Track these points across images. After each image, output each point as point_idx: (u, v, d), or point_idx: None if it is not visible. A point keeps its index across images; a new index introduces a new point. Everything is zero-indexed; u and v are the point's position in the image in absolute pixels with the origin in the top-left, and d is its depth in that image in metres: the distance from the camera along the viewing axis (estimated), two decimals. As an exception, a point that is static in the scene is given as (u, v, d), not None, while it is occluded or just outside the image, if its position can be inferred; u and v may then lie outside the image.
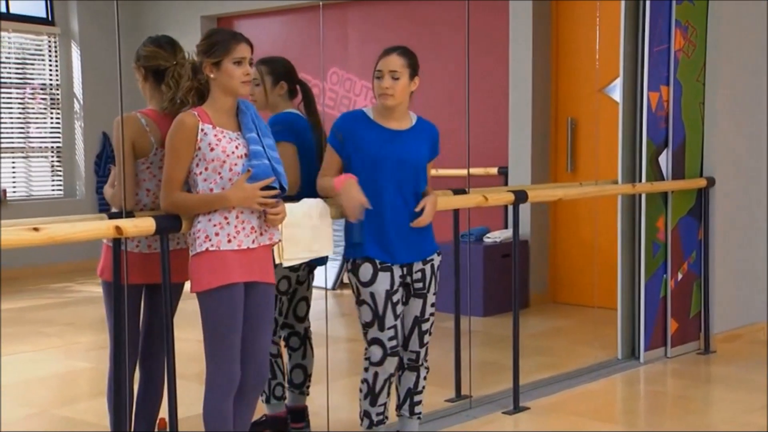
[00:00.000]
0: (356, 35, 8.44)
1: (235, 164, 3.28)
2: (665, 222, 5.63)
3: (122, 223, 3.24)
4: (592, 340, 5.97)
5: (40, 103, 9.76)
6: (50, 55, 9.74)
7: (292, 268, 3.99)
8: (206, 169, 3.27)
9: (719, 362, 5.62)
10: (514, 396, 4.67)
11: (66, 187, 9.88)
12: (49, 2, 9.71)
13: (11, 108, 9.51)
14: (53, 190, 9.84)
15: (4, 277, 7.85)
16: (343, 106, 8.40)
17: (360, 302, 3.72)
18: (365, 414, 3.80)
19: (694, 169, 5.79)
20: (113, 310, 3.46)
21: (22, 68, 9.60)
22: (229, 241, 3.26)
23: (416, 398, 3.90)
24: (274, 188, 3.31)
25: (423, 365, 3.87)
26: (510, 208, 4.91)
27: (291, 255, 3.63)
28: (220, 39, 3.30)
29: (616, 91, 5.78)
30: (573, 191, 5.69)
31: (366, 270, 3.67)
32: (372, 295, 3.67)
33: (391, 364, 3.73)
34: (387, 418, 3.85)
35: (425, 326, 3.82)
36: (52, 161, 9.85)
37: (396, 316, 3.71)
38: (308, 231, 3.67)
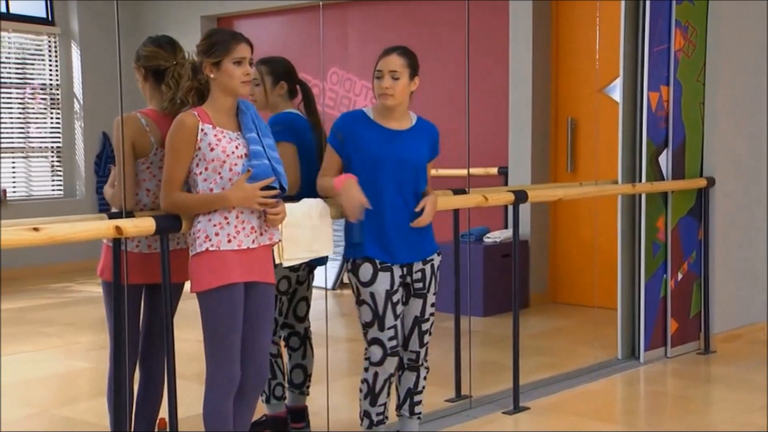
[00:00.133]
0: (356, 35, 8.44)
1: (235, 164, 3.28)
2: (665, 222, 5.63)
3: (122, 223, 3.24)
4: (592, 340, 5.97)
5: (40, 103, 9.76)
6: (50, 55, 9.74)
7: (291, 268, 3.99)
8: (206, 169, 3.27)
9: (719, 362, 5.62)
10: (514, 396, 4.67)
11: (66, 187, 9.88)
12: (49, 2, 9.71)
13: (11, 108, 9.52)
14: (53, 190, 9.84)
15: (5, 277, 7.85)
16: (343, 106, 8.39)
17: (360, 302, 3.72)
18: (365, 414, 3.80)
19: (694, 169, 5.79)
20: (113, 310, 3.46)
21: (22, 68, 9.60)
22: (229, 241, 3.26)
23: (416, 398, 3.90)
24: (274, 188, 3.31)
25: (423, 365, 3.87)
26: (510, 208, 4.91)
27: (291, 255, 3.63)
28: (220, 39, 3.30)
29: (616, 91, 5.79)
30: (573, 191, 5.69)
31: (366, 270, 3.67)
32: (372, 295, 3.67)
33: (391, 364, 3.73)
34: (387, 418, 3.85)
35: (425, 326, 3.82)
36: (52, 161, 9.85)
37: (396, 316, 3.71)
38: (308, 231, 3.67)
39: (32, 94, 9.68)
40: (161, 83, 3.51)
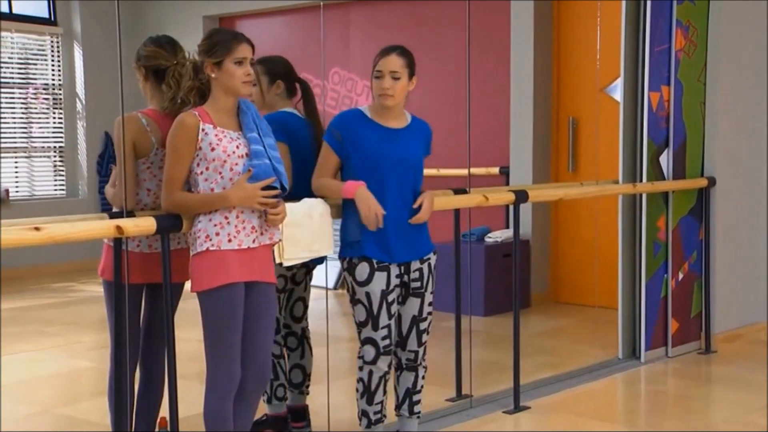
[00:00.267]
0: (357, 35, 8.45)
1: (236, 164, 3.29)
2: (666, 222, 5.63)
3: (123, 222, 3.25)
4: (593, 340, 5.97)
5: (42, 103, 9.77)
6: (53, 55, 9.75)
7: (288, 267, 3.98)
8: (207, 168, 3.28)
9: (720, 362, 5.62)
10: (515, 395, 4.68)
11: (68, 187, 9.89)
12: (51, 2, 9.72)
13: (14, 108, 9.53)
14: (56, 189, 9.85)
15: (6, 276, 7.86)
16: (345, 106, 8.40)
17: (355, 301, 3.72)
18: (363, 413, 3.81)
19: (694, 169, 5.79)
20: (114, 310, 3.46)
21: (25, 68, 9.61)
22: (230, 240, 3.26)
23: (415, 398, 3.91)
24: (274, 188, 3.31)
25: (421, 365, 3.87)
26: (511, 208, 4.91)
27: (291, 255, 3.63)
28: (222, 39, 3.31)
29: (617, 91, 5.79)
30: (574, 191, 5.69)
31: (363, 269, 3.68)
32: (367, 294, 3.67)
33: (385, 362, 3.73)
34: (385, 416, 3.85)
35: (423, 325, 3.83)
36: (55, 161, 9.86)
37: (390, 316, 3.71)
38: (308, 231, 3.68)
39: (35, 94, 9.70)
40: (162, 83, 3.51)
